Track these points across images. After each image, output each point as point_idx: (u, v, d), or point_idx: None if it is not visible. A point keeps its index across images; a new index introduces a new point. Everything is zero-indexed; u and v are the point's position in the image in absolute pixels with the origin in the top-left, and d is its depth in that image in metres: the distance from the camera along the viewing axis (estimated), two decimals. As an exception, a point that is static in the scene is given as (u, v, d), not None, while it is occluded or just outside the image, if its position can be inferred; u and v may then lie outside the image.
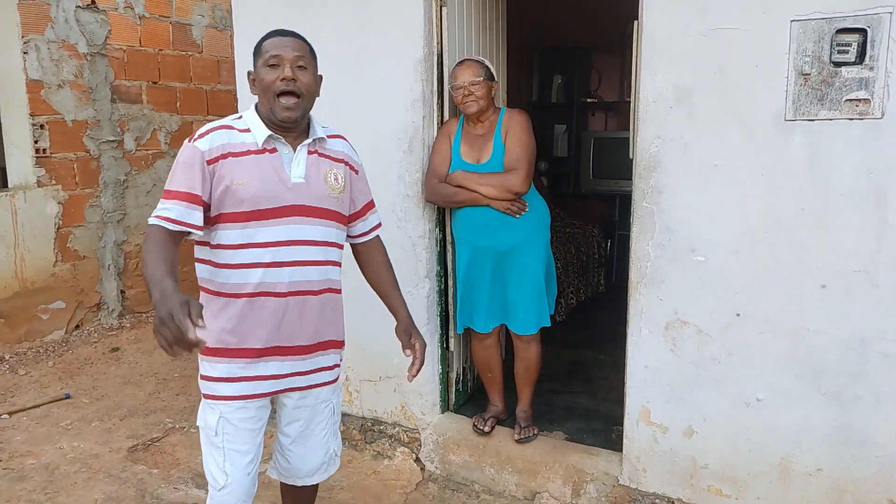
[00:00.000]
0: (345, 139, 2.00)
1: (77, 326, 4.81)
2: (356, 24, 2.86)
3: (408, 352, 1.98)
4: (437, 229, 2.93)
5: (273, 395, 1.87)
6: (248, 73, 1.82)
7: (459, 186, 2.73)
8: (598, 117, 6.31)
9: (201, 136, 1.72)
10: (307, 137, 1.84)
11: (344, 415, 3.20)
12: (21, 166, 4.53)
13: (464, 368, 3.25)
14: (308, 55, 1.81)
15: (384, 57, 2.82)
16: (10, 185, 4.59)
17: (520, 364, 2.92)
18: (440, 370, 3.02)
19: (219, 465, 1.81)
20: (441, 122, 2.88)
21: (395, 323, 2.03)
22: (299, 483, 2.04)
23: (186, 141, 1.74)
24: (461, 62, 2.76)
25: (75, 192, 4.74)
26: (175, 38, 5.36)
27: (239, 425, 1.80)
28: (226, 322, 1.75)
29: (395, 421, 3.08)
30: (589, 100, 6.21)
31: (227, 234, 1.72)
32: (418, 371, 1.96)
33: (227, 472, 1.80)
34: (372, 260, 2.06)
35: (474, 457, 2.86)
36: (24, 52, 4.36)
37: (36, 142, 4.48)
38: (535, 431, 2.90)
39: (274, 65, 1.74)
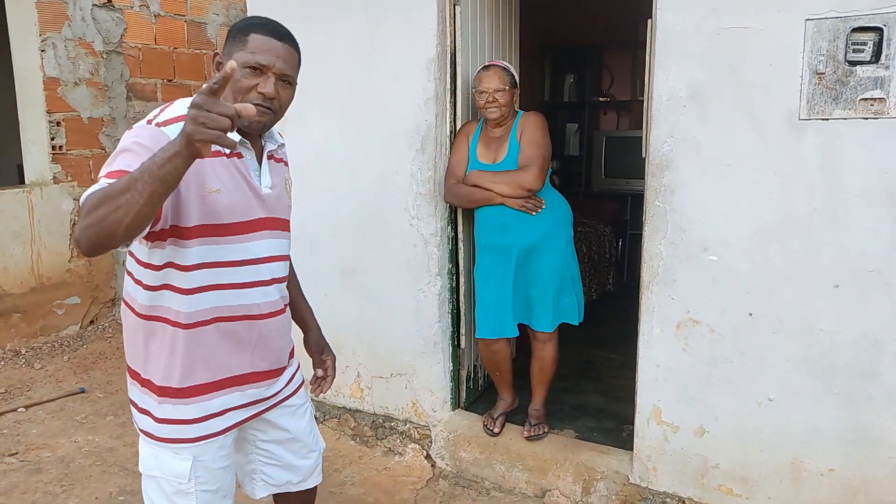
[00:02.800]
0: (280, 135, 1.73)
1: (92, 322, 4.86)
2: (370, 22, 2.87)
3: (319, 371, 1.85)
4: (449, 227, 2.94)
5: (247, 421, 1.67)
6: (215, 55, 1.54)
7: (475, 186, 2.74)
8: (610, 116, 6.30)
9: (168, 122, 1.39)
10: (262, 141, 1.59)
11: (355, 411, 3.22)
12: (37, 163, 4.59)
13: (475, 366, 3.26)
14: (296, 68, 1.54)
15: (397, 56, 2.83)
16: (26, 182, 4.65)
17: (535, 363, 2.93)
18: (451, 367, 3.03)
19: None
20: (454, 121, 2.89)
21: (304, 337, 1.89)
22: (296, 488, 1.86)
23: (143, 122, 1.42)
24: (487, 67, 2.76)
25: (91, 188, 4.79)
26: (190, 37, 5.40)
27: (213, 465, 1.58)
28: (193, 354, 1.50)
29: (406, 418, 3.09)
30: (601, 99, 6.20)
31: (190, 251, 1.43)
32: (329, 386, 1.86)
33: None
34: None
35: (485, 454, 2.88)
36: (42, 50, 4.41)
37: (52, 139, 4.53)
38: (546, 429, 2.90)
39: (256, 70, 1.45)
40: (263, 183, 1.56)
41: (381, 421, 3.15)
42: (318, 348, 1.90)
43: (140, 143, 1.33)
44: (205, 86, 1.09)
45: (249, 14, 3.16)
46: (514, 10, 3.38)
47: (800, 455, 2.25)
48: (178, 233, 1.42)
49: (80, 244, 1.21)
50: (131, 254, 1.51)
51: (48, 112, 4.49)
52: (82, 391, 3.80)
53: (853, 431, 2.17)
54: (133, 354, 1.56)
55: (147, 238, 1.40)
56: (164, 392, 1.51)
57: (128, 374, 1.59)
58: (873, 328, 2.10)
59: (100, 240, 1.18)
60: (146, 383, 1.54)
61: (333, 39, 2.97)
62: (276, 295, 1.61)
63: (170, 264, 1.45)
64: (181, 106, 1.44)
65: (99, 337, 4.71)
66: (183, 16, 5.33)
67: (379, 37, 2.86)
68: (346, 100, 3.00)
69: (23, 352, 4.33)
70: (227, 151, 1.46)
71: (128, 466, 3.00)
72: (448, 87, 2.83)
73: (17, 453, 3.11)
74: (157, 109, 1.46)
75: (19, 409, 3.56)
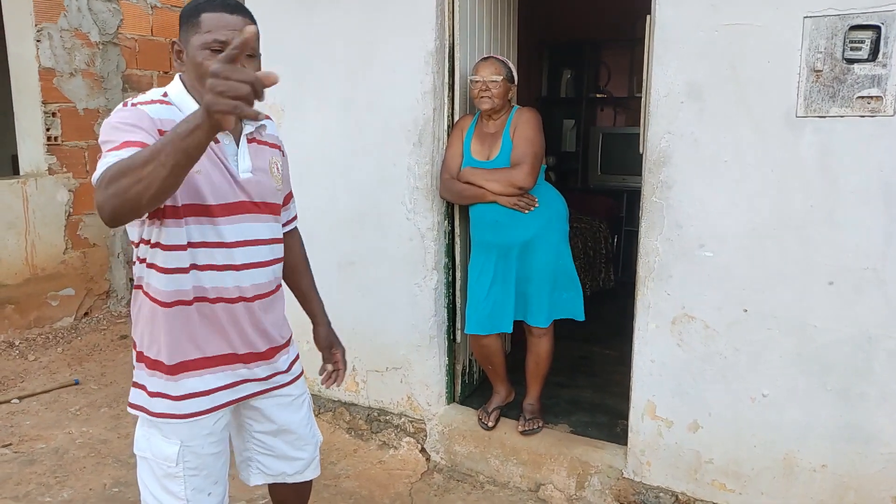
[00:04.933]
0: (271, 118, 1.70)
1: (86, 314, 4.85)
2: (368, 15, 2.86)
3: (329, 365, 1.85)
4: (446, 222, 2.94)
5: (232, 405, 1.65)
6: (174, 43, 1.50)
7: (467, 182, 2.74)
8: (607, 113, 6.31)
9: (144, 103, 1.42)
10: (240, 123, 1.55)
11: (350, 405, 3.23)
12: (32, 154, 4.57)
13: (470, 360, 3.27)
14: (257, 39, 1.44)
15: (395, 49, 2.83)
16: (21, 173, 4.63)
17: (530, 358, 2.93)
18: (446, 362, 3.03)
19: (177, 496, 1.58)
20: (451, 115, 2.89)
21: (314, 330, 1.90)
22: (292, 479, 1.85)
23: (120, 106, 1.42)
24: (485, 58, 2.77)
25: (86, 180, 4.77)
26: (186, 28, 5.37)
27: (201, 451, 1.59)
28: (176, 332, 1.51)
29: (401, 411, 3.10)
30: (598, 95, 6.20)
31: (172, 231, 1.45)
32: (342, 379, 1.87)
33: (192, 499, 1.59)
34: (292, 252, 1.85)
35: (479, 448, 2.88)
36: (38, 41, 4.39)
37: (47, 129, 4.51)
38: (540, 424, 2.91)
39: (217, 50, 1.40)
40: (241, 167, 1.54)
41: (376, 414, 3.15)
42: (328, 342, 1.91)
43: (126, 121, 1.35)
44: (221, 55, 1.06)
45: (248, 6, 3.14)
46: (513, 5, 3.38)
47: (793, 451, 2.26)
48: (172, 212, 1.43)
49: (102, 213, 1.22)
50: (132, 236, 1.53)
51: (43, 103, 4.47)
52: (76, 383, 3.80)
53: (846, 428, 2.18)
54: (134, 328, 1.59)
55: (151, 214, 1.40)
56: (154, 366, 1.53)
57: (134, 351, 1.60)
58: (867, 325, 2.11)
59: (123, 210, 1.19)
60: (140, 356, 1.57)
61: (332, 32, 2.96)
62: (261, 278, 1.60)
63: (157, 244, 1.47)
64: (155, 92, 1.47)
65: (93, 329, 4.70)
66: (180, 7, 5.30)
67: (378, 30, 2.86)
68: (345, 93, 2.99)
69: (17, 343, 4.32)
70: None
71: (122, 458, 3.00)
72: (446, 81, 2.83)
73: (10, 444, 3.11)
74: (127, 99, 1.47)
75: (13, 401, 3.55)
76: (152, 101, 1.44)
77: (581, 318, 2.89)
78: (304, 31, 2.98)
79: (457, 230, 2.98)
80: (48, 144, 4.53)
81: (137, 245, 1.52)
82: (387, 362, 3.09)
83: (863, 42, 2.00)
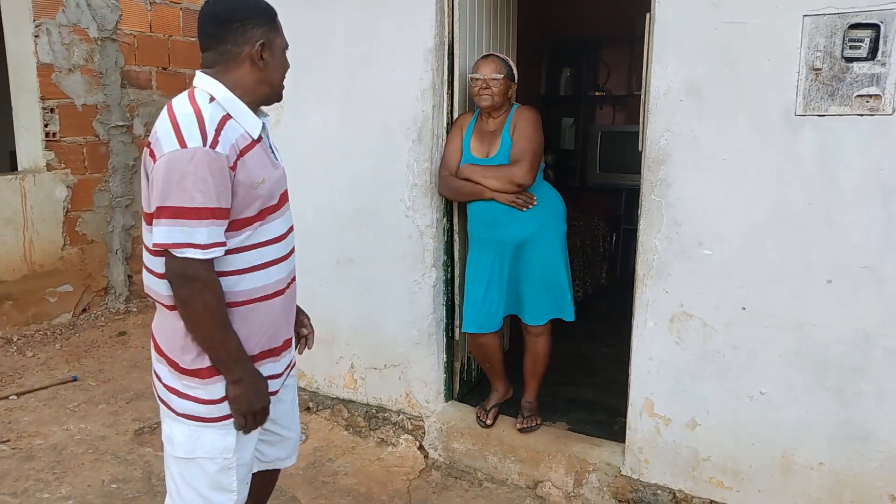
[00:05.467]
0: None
1: (84, 310, 4.84)
2: (368, 12, 2.86)
3: (303, 329, 1.89)
4: (445, 219, 2.94)
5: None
6: (262, 43, 1.54)
7: (465, 179, 2.74)
8: (606, 111, 6.31)
9: (216, 138, 1.43)
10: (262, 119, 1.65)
11: (349, 402, 3.23)
12: (31, 150, 4.56)
13: (468, 358, 3.27)
14: None
15: (395, 46, 2.82)
16: (19, 169, 4.61)
17: (528, 356, 2.93)
18: (445, 359, 3.03)
19: (228, 489, 1.62)
20: (451, 113, 2.89)
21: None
22: (283, 465, 1.93)
23: (199, 145, 1.41)
24: (486, 56, 2.78)
25: (84, 176, 4.77)
26: (185, 25, 5.37)
27: (252, 436, 1.66)
28: (245, 332, 1.56)
29: (399, 408, 3.10)
30: (597, 93, 6.20)
31: (238, 237, 1.52)
32: (313, 341, 1.91)
33: (238, 489, 1.64)
34: None
35: (477, 445, 2.89)
36: (36, 36, 4.38)
37: (46, 125, 4.50)
38: (538, 421, 2.91)
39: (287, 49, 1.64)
40: (278, 157, 1.67)
41: (374, 411, 3.15)
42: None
43: (206, 169, 1.40)
44: (267, 404, 1.52)
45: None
46: (513, 3, 3.38)
47: (790, 449, 2.27)
48: (233, 225, 1.50)
49: (170, 281, 1.48)
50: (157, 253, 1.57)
51: (42, 98, 4.45)
52: (74, 379, 3.79)
53: (843, 426, 2.19)
54: (174, 347, 1.57)
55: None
56: (209, 373, 1.54)
57: (167, 366, 1.59)
58: (865, 324, 2.12)
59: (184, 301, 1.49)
60: (189, 373, 1.55)
61: (332, 28, 2.96)
62: (294, 263, 1.72)
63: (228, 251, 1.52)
64: (203, 101, 1.48)
65: (91, 325, 4.69)
66: (178, 3, 5.30)
67: (377, 26, 2.86)
68: (344, 89, 2.99)
69: (14, 339, 4.31)
70: (256, 137, 1.54)
71: (120, 455, 3.00)
72: (445, 78, 2.83)
73: (8, 441, 3.10)
74: (190, 110, 1.45)
75: (11, 397, 3.55)
76: (220, 127, 1.45)
77: (570, 318, 2.87)
78: (303, 27, 2.98)
79: (455, 227, 2.98)
80: (46, 140, 4.52)
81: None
82: (385, 359, 3.09)
83: (862, 41, 2.00)
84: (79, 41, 4.63)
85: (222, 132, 1.44)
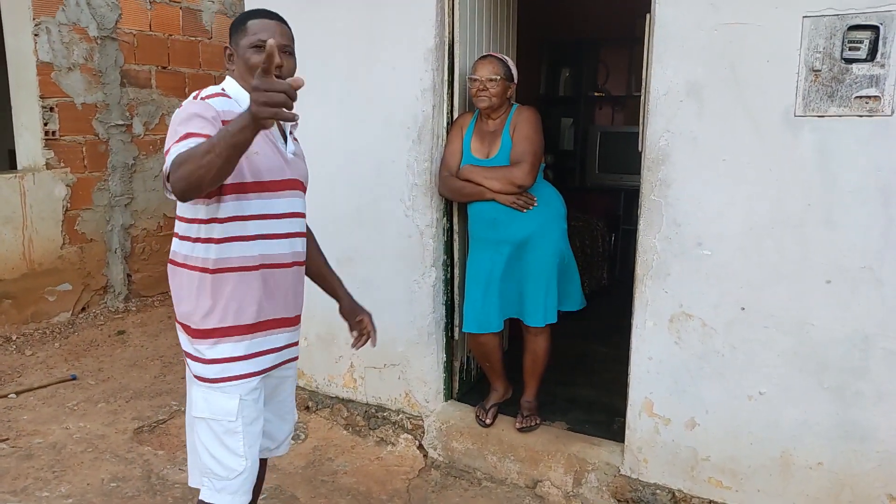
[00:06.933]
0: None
1: (83, 309, 4.84)
2: (368, 11, 2.86)
3: (354, 333, 2.01)
4: (445, 219, 2.94)
5: (273, 369, 1.83)
6: (226, 48, 1.77)
7: (466, 180, 2.75)
8: (605, 111, 6.31)
9: (209, 97, 1.66)
10: None
11: (348, 401, 3.23)
12: (30, 148, 4.55)
13: (468, 357, 3.27)
14: (292, 40, 1.77)
15: (395, 45, 2.83)
16: (19, 167, 4.61)
17: (527, 356, 2.94)
18: (444, 358, 3.04)
19: (236, 452, 1.72)
20: (451, 112, 2.89)
21: (339, 305, 2.06)
22: (275, 454, 2.01)
23: (190, 98, 1.67)
24: (484, 56, 2.78)
25: (83, 175, 4.76)
26: (185, 24, 5.37)
27: (256, 404, 1.75)
28: (241, 296, 1.69)
29: (398, 408, 3.10)
30: (596, 94, 6.21)
31: (231, 205, 1.65)
32: (375, 338, 2.00)
33: (247, 455, 1.73)
34: (310, 236, 2.03)
35: (477, 445, 2.89)
36: (36, 35, 4.37)
37: (45, 124, 4.49)
38: (538, 421, 2.92)
39: (261, 47, 1.67)
40: (288, 148, 1.79)
41: (373, 411, 3.16)
42: (352, 312, 2.05)
43: (194, 113, 1.58)
44: (258, 70, 1.29)
45: (246, 3, 3.15)
46: (513, 3, 3.38)
47: (789, 449, 2.27)
48: (223, 189, 1.63)
49: (175, 192, 1.48)
50: (181, 218, 1.71)
51: (41, 97, 4.45)
52: (73, 378, 3.79)
53: (842, 426, 2.19)
54: (185, 310, 1.72)
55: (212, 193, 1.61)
56: (213, 333, 1.68)
57: (183, 331, 1.75)
58: (864, 325, 2.12)
59: (189, 189, 1.45)
60: (199, 334, 1.70)
61: (332, 28, 2.96)
62: (298, 247, 1.82)
63: (213, 220, 1.65)
64: (214, 88, 1.73)
65: (90, 324, 4.69)
66: (178, 3, 5.30)
67: (377, 26, 2.86)
68: (344, 89, 2.99)
69: (14, 338, 4.31)
70: None
71: (119, 453, 3.00)
72: (446, 78, 2.83)
73: (7, 439, 3.10)
74: (195, 92, 1.73)
75: (10, 396, 3.55)
76: (215, 95, 1.68)
77: (577, 307, 2.93)
78: (303, 27, 2.97)
79: (455, 227, 2.98)
80: (46, 139, 4.51)
81: (189, 222, 1.69)
82: (385, 359, 3.09)
83: (861, 42, 2.01)
84: (78, 40, 4.62)
85: (215, 98, 1.66)
